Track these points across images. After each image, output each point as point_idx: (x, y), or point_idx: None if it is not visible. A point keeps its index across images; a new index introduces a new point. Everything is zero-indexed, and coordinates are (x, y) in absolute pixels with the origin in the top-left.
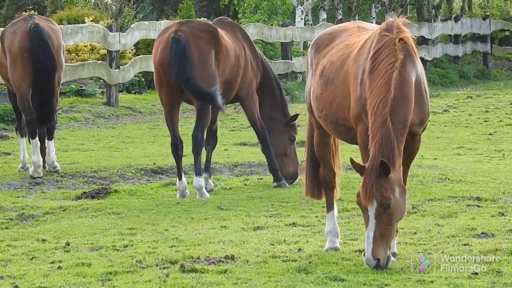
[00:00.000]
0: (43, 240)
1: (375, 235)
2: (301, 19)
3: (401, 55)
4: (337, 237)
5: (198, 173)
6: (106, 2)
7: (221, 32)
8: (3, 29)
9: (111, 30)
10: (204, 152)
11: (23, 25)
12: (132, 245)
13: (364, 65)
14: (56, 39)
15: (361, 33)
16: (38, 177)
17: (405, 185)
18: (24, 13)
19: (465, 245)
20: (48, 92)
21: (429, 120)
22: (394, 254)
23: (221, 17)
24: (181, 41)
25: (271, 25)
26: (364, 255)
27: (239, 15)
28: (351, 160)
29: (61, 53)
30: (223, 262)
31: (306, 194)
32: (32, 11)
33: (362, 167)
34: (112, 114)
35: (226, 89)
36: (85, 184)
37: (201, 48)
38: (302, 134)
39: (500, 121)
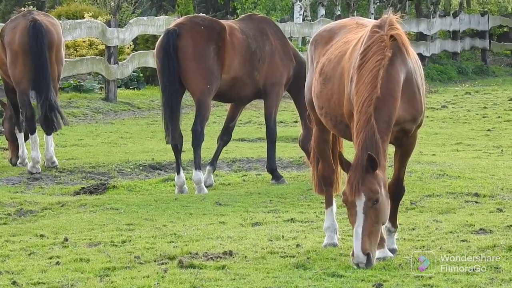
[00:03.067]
0: (41, 236)
1: (364, 230)
2: (300, 15)
3: (389, 53)
4: (336, 233)
5: (198, 167)
6: None
7: (234, 28)
8: (2, 25)
9: (109, 26)
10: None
11: (22, 21)
12: (130, 240)
13: (355, 62)
14: (56, 34)
15: (360, 30)
16: (36, 172)
17: (402, 182)
18: (23, 8)
19: (463, 241)
20: (45, 88)
21: (427, 116)
22: (393, 251)
23: (251, 13)
24: (171, 33)
25: None
26: (352, 253)
27: (238, 11)
28: (340, 155)
29: (61, 48)
30: (221, 258)
31: (315, 191)
32: (31, 6)
33: (348, 163)
34: (111, 110)
35: (237, 85)
36: (84, 179)
37: (196, 42)
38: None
39: (499, 117)
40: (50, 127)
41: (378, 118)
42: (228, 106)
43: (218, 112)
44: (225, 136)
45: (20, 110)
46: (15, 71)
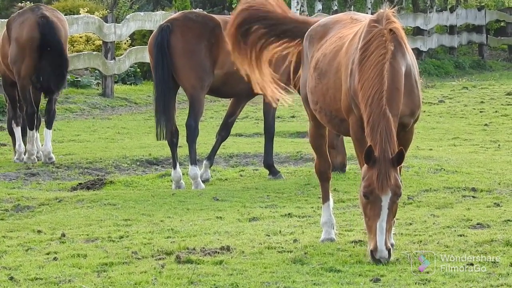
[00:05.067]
0: (39, 231)
1: (387, 225)
2: (297, 10)
3: (392, 46)
4: (333, 228)
5: (193, 162)
6: None
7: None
8: (5, 20)
9: (106, 21)
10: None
11: (31, 15)
12: (128, 236)
13: (353, 56)
14: (64, 30)
15: (354, 25)
16: (32, 163)
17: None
18: (20, 4)
19: (460, 236)
20: (61, 83)
21: (424, 111)
22: (391, 245)
23: None
24: (165, 30)
25: None
26: (373, 247)
27: (234, 6)
28: (370, 147)
29: (67, 44)
30: (218, 253)
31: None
32: (28, 2)
33: (375, 157)
34: (108, 105)
35: (231, 81)
36: (81, 175)
37: (187, 38)
38: (297, 125)
39: (496, 111)
40: (51, 121)
41: (389, 111)
42: (224, 101)
43: (215, 108)
44: (223, 132)
45: (18, 105)
46: (21, 66)
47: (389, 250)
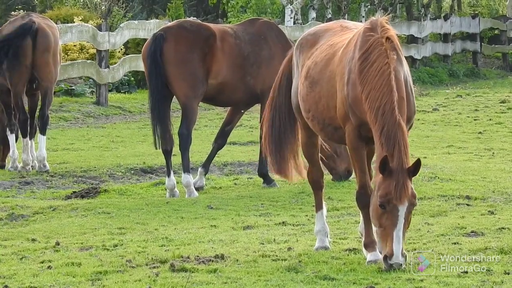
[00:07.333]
0: (33, 240)
1: (403, 234)
2: (291, 18)
3: (394, 55)
4: (327, 236)
5: (186, 170)
6: (95, 1)
7: (226, 33)
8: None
9: (100, 30)
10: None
11: (21, 22)
12: (122, 244)
13: (350, 65)
14: (53, 37)
15: (345, 33)
16: (27, 171)
17: None
18: (13, 13)
19: (455, 243)
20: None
21: (418, 119)
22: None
23: (255, 17)
24: (158, 38)
25: None
26: (388, 252)
27: (228, 14)
28: (385, 158)
29: (58, 51)
30: (213, 261)
31: (273, 172)
32: (21, 10)
33: (390, 167)
34: (102, 114)
35: (227, 90)
36: (75, 183)
37: (180, 47)
38: None
39: (490, 119)
40: (44, 127)
41: None
42: (218, 110)
43: (209, 116)
44: (220, 140)
45: (13, 112)
46: (13, 73)
47: (405, 257)
